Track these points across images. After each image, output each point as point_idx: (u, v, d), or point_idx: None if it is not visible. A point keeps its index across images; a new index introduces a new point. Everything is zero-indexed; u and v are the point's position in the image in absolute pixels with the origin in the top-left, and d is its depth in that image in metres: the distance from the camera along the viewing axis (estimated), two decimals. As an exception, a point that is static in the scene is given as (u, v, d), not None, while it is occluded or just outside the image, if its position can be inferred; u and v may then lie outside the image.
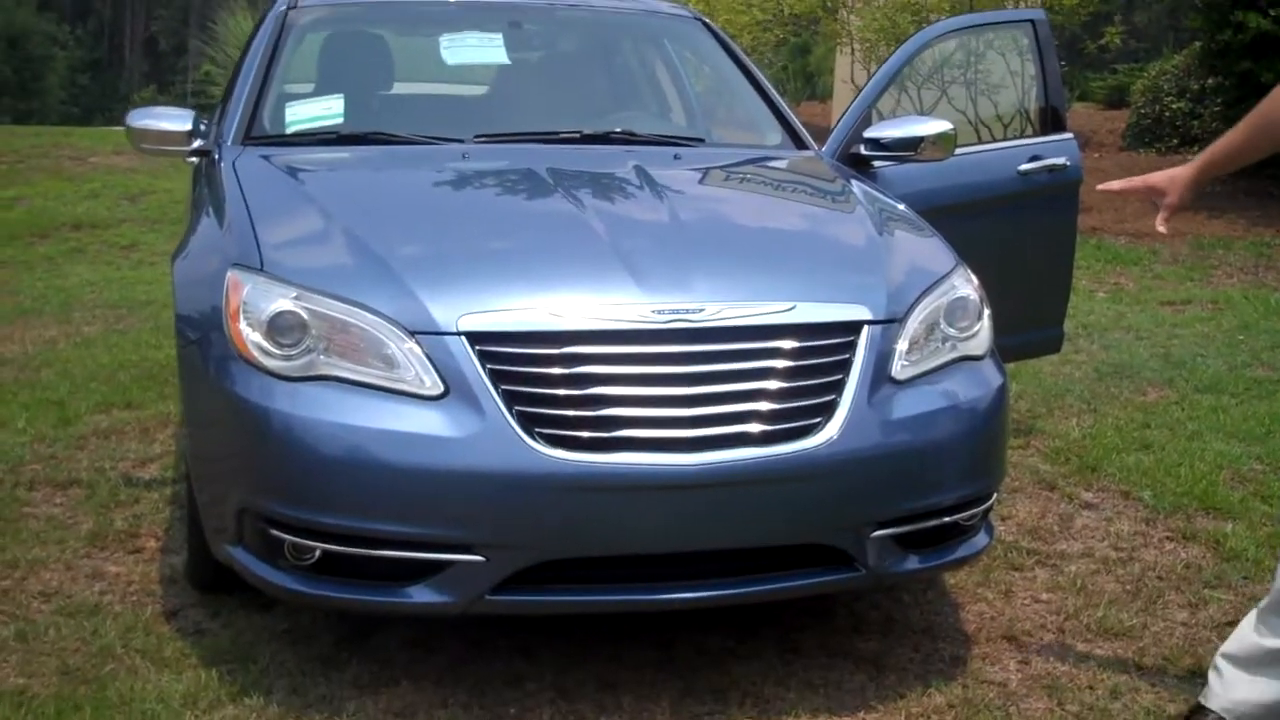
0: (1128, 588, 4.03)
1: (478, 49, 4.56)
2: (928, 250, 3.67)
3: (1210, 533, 4.42)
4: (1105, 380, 6.26)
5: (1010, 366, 6.11)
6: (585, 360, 3.00)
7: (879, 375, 3.19)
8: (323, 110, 4.25)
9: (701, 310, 3.09)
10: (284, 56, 4.42)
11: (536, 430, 2.95)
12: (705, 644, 3.53)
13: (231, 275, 3.18)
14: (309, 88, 4.46)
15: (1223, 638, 3.59)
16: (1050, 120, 5.24)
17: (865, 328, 3.21)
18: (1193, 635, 3.73)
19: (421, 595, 3.02)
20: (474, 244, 3.37)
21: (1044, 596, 3.96)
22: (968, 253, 4.94)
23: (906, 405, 3.21)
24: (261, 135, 4.16)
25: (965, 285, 3.50)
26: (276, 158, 3.94)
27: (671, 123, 4.57)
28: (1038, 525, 4.49)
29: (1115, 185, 3.25)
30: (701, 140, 4.34)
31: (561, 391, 2.98)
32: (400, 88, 4.67)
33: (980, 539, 3.50)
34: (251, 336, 3.06)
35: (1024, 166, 5.05)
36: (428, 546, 2.98)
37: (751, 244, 3.52)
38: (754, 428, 3.04)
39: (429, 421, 2.95)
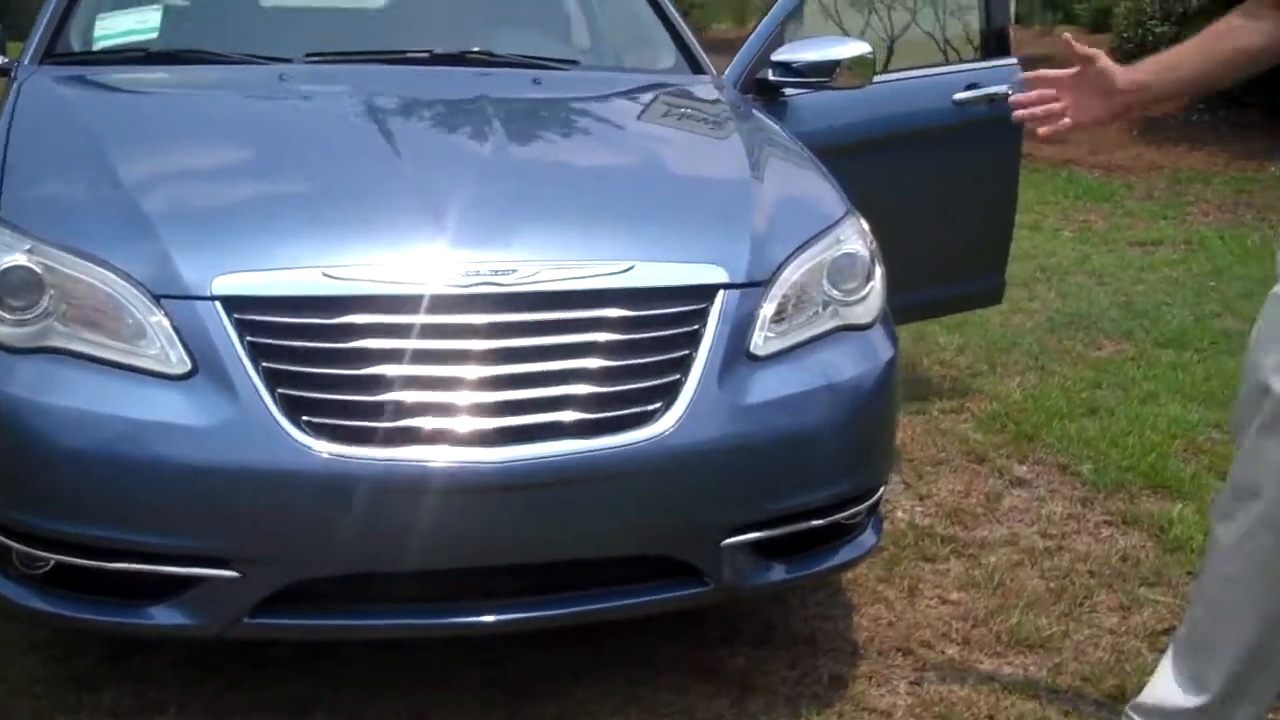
0: (1052, 585, 3.50)
1: None
2: (812, 197, 3.09)
3: (1154, 516, 3.89)
4: (1058, 332, 5.70)
5: (954, 317, 5.62)
6: (365, 332, 2.44)
7: (733, 350, 2.63)
8: (136, 23, 3.65)
9: (514, 271, 2.52)
10: None
11: (304, 418, 2.40)
12: (543, 663, 3.00)
13: None
14: None
15: (1154, 650, 3.08)
16: (993, 43, 4.64)
17: (720, 292, 2.65)
18: (1120, 647, 3.20)
19: (166, 617, 2.48)
20: (249, 188, 2.79)
21: (954, 596, 3.43)
22: (895, 194, 4.41)
23: (767, 386, 2.65)
24: (66, 52, 3.58)
25: (854, 239, 2.93)
26: (67, 81, 3.36)
27: (545, 42, 3.96)
28: (959, 506, 3.95)
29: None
30: (575, 63, 3.74)
31: (335, 371, 2.42)
32: None
33: (866, 539, 2.96)
34: None
35: (960, 95, 4.46)
36: (172, 559, 2.44)
37: (593, 190, 2.94)
38: (575, 416, 2.49)
39: (170, 406, 2.40)
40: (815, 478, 2.73)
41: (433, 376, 2.44)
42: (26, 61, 3.50)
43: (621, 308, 2.56)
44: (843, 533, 2.89)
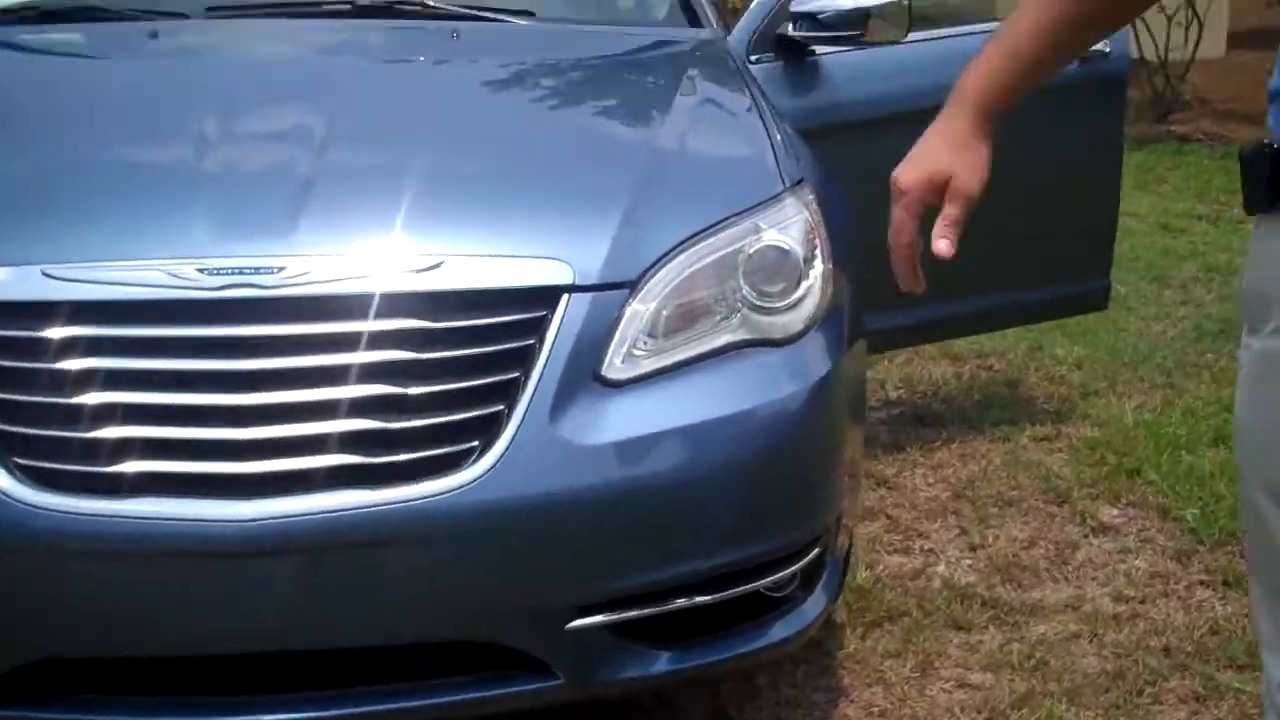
0: (1109, 666, 2.77)
1: None
2: (735, 176, 2.46)
3: (1266, 577, 3.08)
4: (1203, 342, 4.83)
5: (1081, 324, 4.83)
6: (83, 348, 1.93)
7: (578, 373, 2.02)
8: None
9: (280, 270, 1.97)
10: None
11: (13, 459, 1.90)
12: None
13: None
14: None
15: None
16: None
17: (563, 297, 2.04)
18: (1179, 756, 2.46)
19: None
20: (16, 171, 2.29)
21: (975, 678, 2.73)
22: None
23: (624, 421, 2.05)
24: None
25: (781, 228, 2.28)
26: None
27: None
28: (1017, 559, 3.22)
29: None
30: (531, 14, 3.16)
31: (50, 399, 1.92)
32: None
33: (809, 609, 2.31)
34: None
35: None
36: None
37: (425, 172, 2.32)
38: (355, 459, 1.93)
39: None
40: (700, 539, 2.11)
41: (169, 406, 1.92)
42: None
43: (422, 317, 1.98)
44: (770, 605, 2.24)
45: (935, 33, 3.73)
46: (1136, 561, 3.21)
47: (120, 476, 1.89)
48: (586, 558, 2.03)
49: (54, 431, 1.90)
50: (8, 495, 1.88)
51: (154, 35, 2.95)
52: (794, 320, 2.24)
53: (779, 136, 2.59)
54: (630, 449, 2.04)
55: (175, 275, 1.96)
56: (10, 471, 1.89)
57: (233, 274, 1.96)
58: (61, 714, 2.00)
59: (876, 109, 3.50)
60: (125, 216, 2.11)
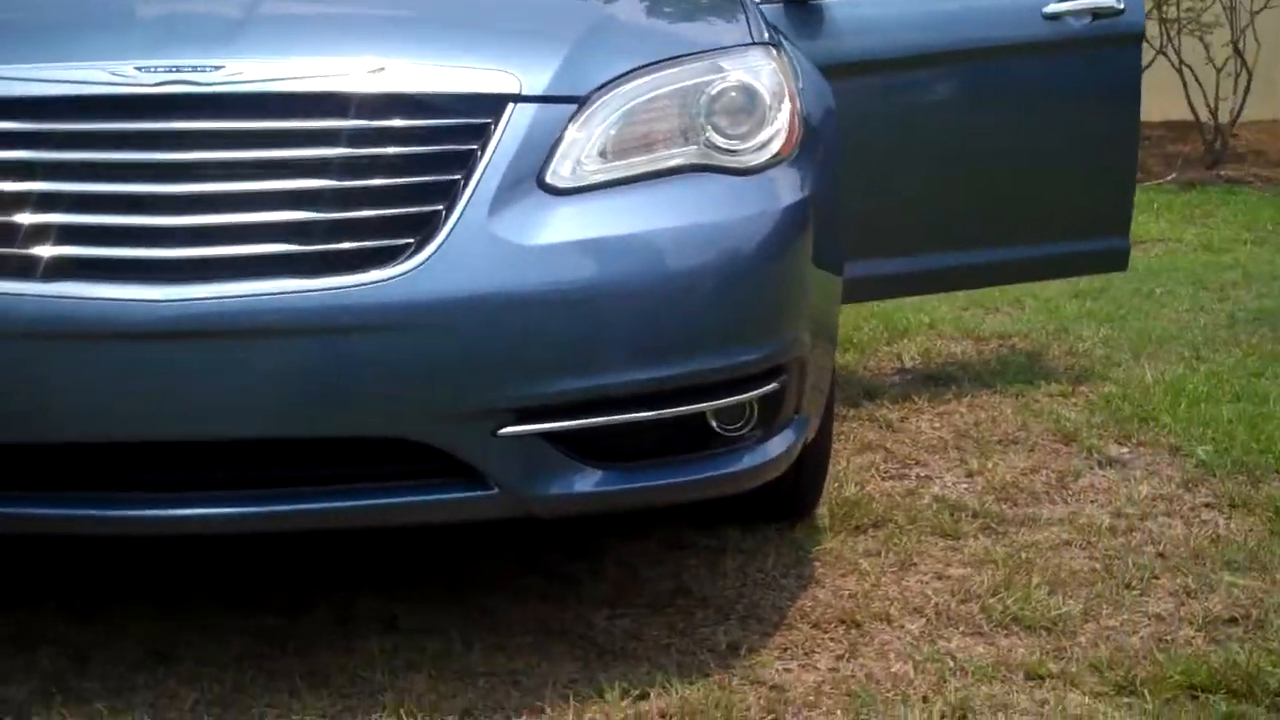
0: (1098, 566, 2.66)
1: None
2: (703, 21, 2.44)
3: (1275, 499, 2.97)
4: (1237, 327, 4.69)
5: (1110, 309, 4.74)
6: (14, 140, 1.94)
7: (519, 178, 2.01)
8: None
9: (219, 69, 1.97)
10: None
11: None
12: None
13: None
14: None
15: (1210, 642, 2.25)
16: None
17: (509, 106, 2.03)
18: (1163, 635, 2.37)
19: None
20: None
21: (955, 571, 2.64)
22: (968, 129, 3.66)
23: (567, 225, 2.02)
24: None
25: (748, 69, 2.25)
26: None
27: None
28: (1017, 483, 3.11)
29: None
30: None
31: None
32: None
33: (772, 446, 2.24)
34: None
35: (1052, 7, 3.67)
36: None
37: None
38: (286, 247, 1.92)
39: None
40: (640, 347, 2.05)
41: (104, 194, 1.93)
42: None
43: (360, 118, 1.98)
44: (723, 440, 2.18)
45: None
46: (1140, 488, 3.09)
47: (43, 259, 1.89)
48: (519, 360, 1.99)
49: None
50: None
51: None
52: (755, 155, 2.20)
53: (761, 19, 2.57)
54: (568, 252, 2.01)
55: (114, 74, 1.97)
56: None
57: (170, 71, 1.96)
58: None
59: (879, 54, 3.50)
60: (65, 19, 2.15)
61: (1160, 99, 9.45)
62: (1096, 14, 3.69)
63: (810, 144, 2.34)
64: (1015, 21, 3.67)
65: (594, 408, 2.04)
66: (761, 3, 3.35)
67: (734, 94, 2.22)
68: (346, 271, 1.92)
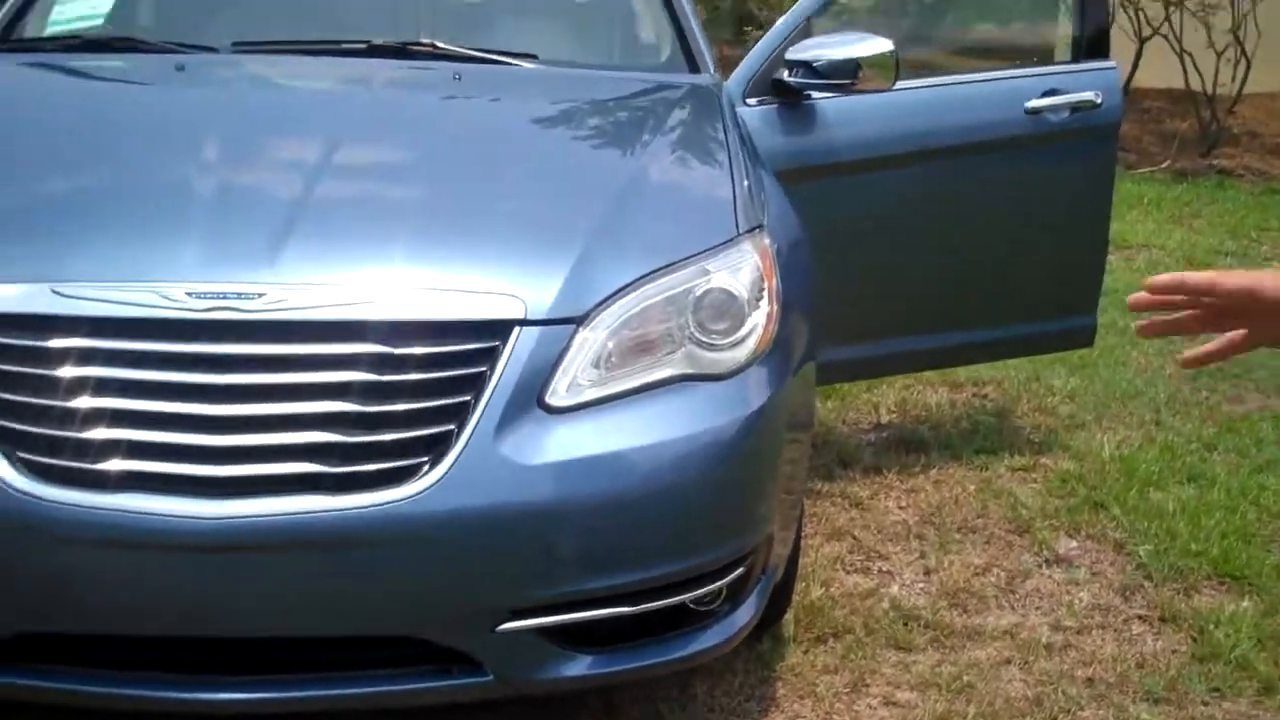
0: (1031, 693, 2.95)
1: None
2: (692, 220, 2.66)
3: (1201, 614, 3.25)
4: (1200, 380, 4.95)
5: (1083, 356, 4.97)
6: (81, 358, 2.18)
7: (523, 399, 2.25)
8: (88, 9, 3.55)
9: (261, 296, 2.21)
10: None
11: (19, 454, 2.16)
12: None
13: None
14: None
15: None
16: (1086, 45, 4.03)
17: (515, 330, 2.27)
18: (1077, 779, 2.64)
19: None
20: (26, 190, 2.57)
21: (902, 696, 2.93)
22: (951, 217, 3.88)
23: (563, 444, 2.27)
24: (19, 39, 3.47)
25: (730, 271, 2.48)
26: None
27: (514, 33, 3.61)
28: (969, 585, 3.40)
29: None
30: (534, 57, 3.38)
31: (48, 401, 2.17)
32: None
33: (737, 618, 2.52)
34: None
35: (1034, 103, 3.87)
36: None
37: (407, 206, 2.58)
38: (316, 468, 2.17)
39: None
40: (628, 554, 2.32)
41: (152, 413, 2.17)
42: None
43: (384, 344, 2.22)
44: (695, 616, 2.46)
45: (921, 81, 3.91)
46: (1081, 593, 3.38)
47: (106, 473, 2.14)
48: (521, 567, 2.25)
49: (52, 430, 2.15)
50: (9, 485, 2.13)
51: (180, 68, 3.21)
52: (734, 357, 2.44)
53: (746, 182, 2.78)
54: (565, 470, 2.25)
55: (167, 297, 2.21)
56: (13, 464, 2.15)
57: (217, 298, 2.20)
58: (42, 682, 2.26)
59: (867, 150, 3.71)
60: (127, 241, 2.36)
61: (1162, 69, 9.59)
62: (1075, 108, 3.90)
63: (785, 317, 2.56)
64: (999, 118, 3.88)
65: (584, 605, 2.31)
66: (755, 104, 3.62)
67: (717, 295, 2.45)
68: (366, 490, 2.16)
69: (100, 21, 3.53)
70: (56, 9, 3.56)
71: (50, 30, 3.51)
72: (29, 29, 3.50)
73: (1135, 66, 11.36)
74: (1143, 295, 1.61)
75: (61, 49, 3.41)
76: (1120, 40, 10.05)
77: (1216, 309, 1.58)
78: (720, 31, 12.49)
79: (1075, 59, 4.03)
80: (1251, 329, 1.59)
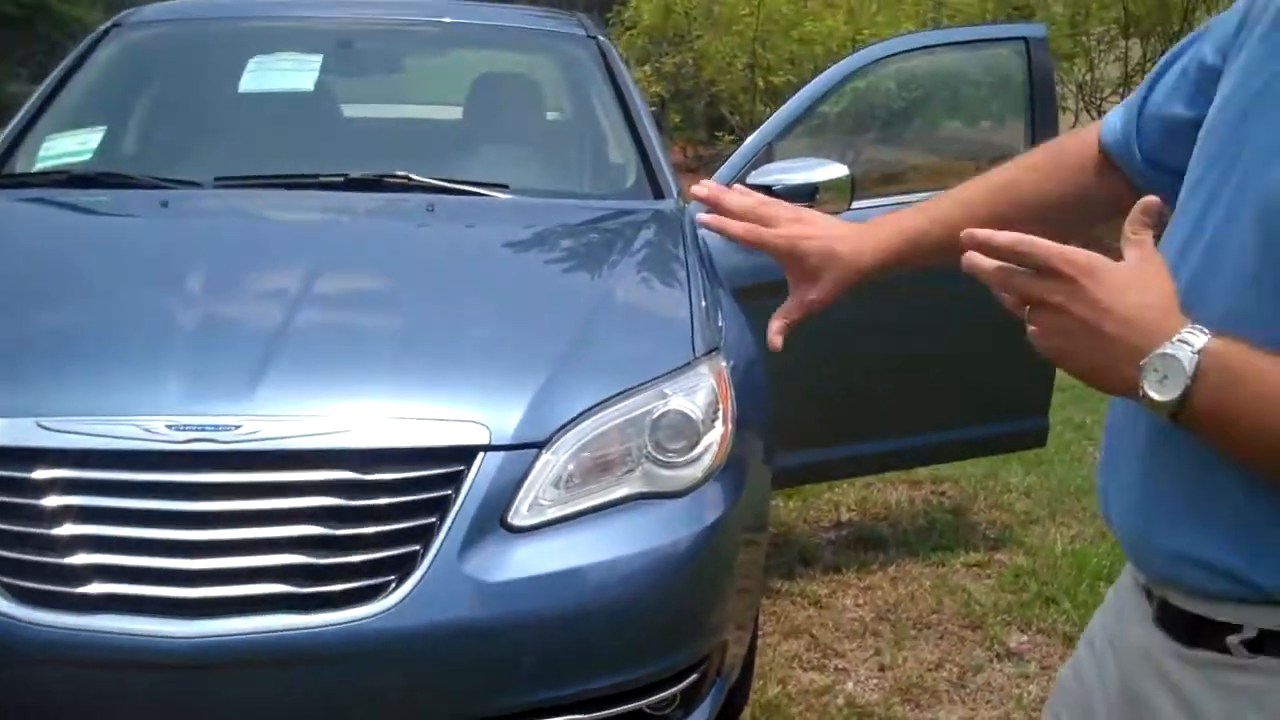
0: (978, 787, 3.08)
1: (284, 73, 3.91)
2: (650, 344, 2.83)
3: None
4: (1152, 475, 5.11)
5: (1032, 452, 5.14)
6: (62, 488, 2.33)
7: (486, 520, 2.39)
8: (76, 145, 3.70)
9: (237, 428, 2.37)
10: (81, 80, 3.90)
11: (1, 579, 2.30)
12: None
13: None
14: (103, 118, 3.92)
15: None
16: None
17: (479, 455, 2.42)
18: None
19: None
20: (11, 326, 2.73)
21: (852, 793, 3.05)
22: (906, 327, 4.06)
23: (523, 562, 2.41)
24: (9, 174, 3.64)
25: (687, 394, 2.64)
26: None
27: (486, 163, 3.81)
28: (921, 680, 3.54)
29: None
30: (505, 186, 3.58)
31: (29, 529, 2.32)
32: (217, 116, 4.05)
33: (696, 717, 2.65)
34: None
35: (972, 218, 4.06)
36: None
37: (376, 338, 2.74)
38: (286, 589, 2.30)
39: None
40: (585, 664, 2.46)
41: (130, 539, 2.31)
42: None
43: (351, 470, 2.37)
44: (651, 717, 2.60)
45: (875, 201, 4.10)
46: (1031, 686, 3.51)
47: (87, 596, 2.28)
48: (485, 678, 2.39)
49: (34, 556, 2.29)
50: None
51: (165, 204, 3.38)
52: (691, 474, 2.58)
53: (703, 303, 2.95)
54: (526, 587, 2.39)
55: (148, 430, 2.35)
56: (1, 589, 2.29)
57: (195, 430, 2.35)
58: None
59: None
60: (111, 375, 2.52)
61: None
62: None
63: (739, 433, 2.72)
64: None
65: (545, 714, 2.44)
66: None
67: (674, 416, 2.60)
68: (335, 608, 2.29)
69: (88, 157, 3.66)
70: (45, 145, 3.71)
71: (39, 166, 3.66)
72: (19, 164, 3.66)
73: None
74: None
75: (50, 184, 3.58)
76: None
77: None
78: (694, 134, 12.83)
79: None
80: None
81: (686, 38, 12.44)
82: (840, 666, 3.61)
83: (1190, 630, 1.28)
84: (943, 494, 4.90)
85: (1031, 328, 1.21)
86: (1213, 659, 1.25)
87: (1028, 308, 1.21)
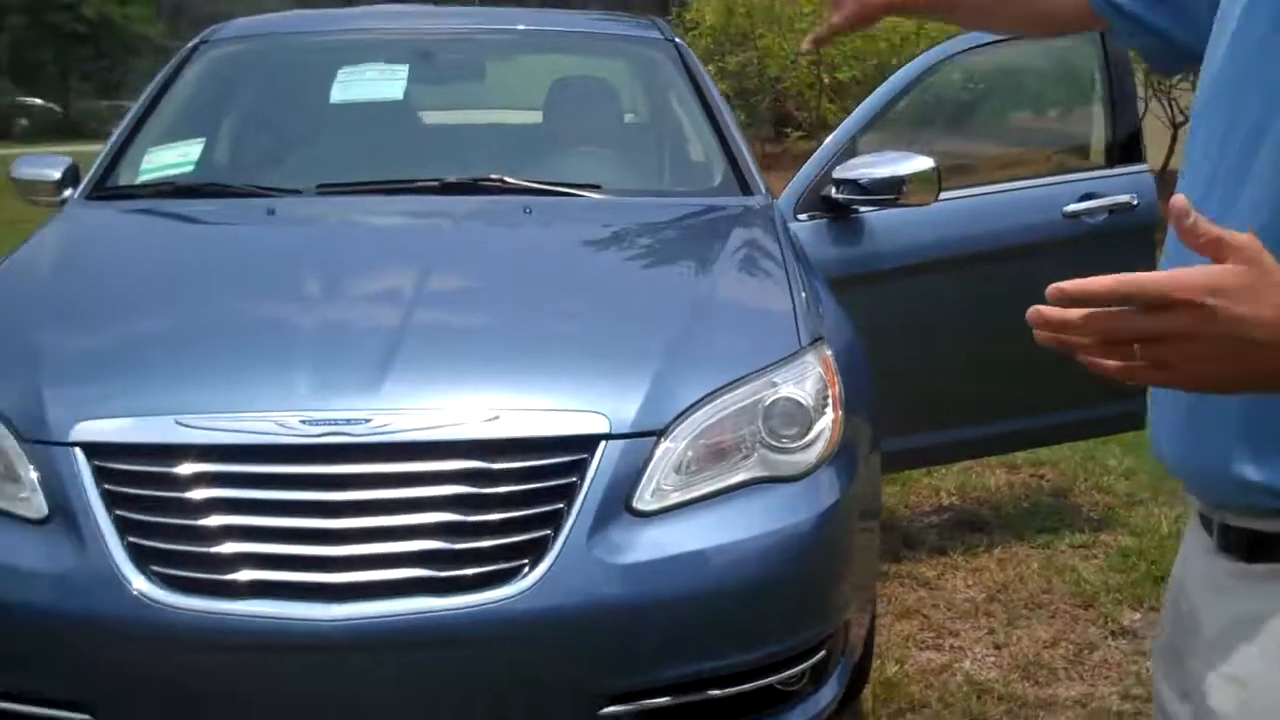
0: (1105, 759, 3.08)
1: (373, 83, 3.98)
2: (758, 334, 2.86)
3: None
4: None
5: (1129, 435, 5.11)
6: (208, 481, 2.40)
7: (612, 506, 2.44)
8: (178, 157, 3.78)
9: (368, 421, 2.43)
10: (175, 95, 3.99)
11: (151, 568, 2.36)
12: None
13: None
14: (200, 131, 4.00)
15: None
16: (1119, 149, 4.23)
17: (601, 443, 2.47)
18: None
19: None
20: (139, 330, 2.83)
21: (979, 767, 3.07)
22: (1000, 313, 4.04)
23: (650, 545, 2.45)
24: (114, 187, 3.72)
25: (797, 382, 2.67)
26: (85, 216, 3.53)
27: (576, 165, 3.86)
28: (1038, 658, 3.54)
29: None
30: (597, 187, 3.62)
31: (181, 520, 2.39)
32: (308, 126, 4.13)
33: (822, 696, 2.67)
34: None
35: (1072, 207, 4.07)
36: (42, 702, 2.45)
37: (493, 331, 2.81)
38: (425, 573, 2.35)
39: (28, 552, 2.42)
40: (717, 642, 2.49)
41: (275, 528, 2.37)
42: (77, 195, 3.67)
43: (481, 459, 2.42)
44: (782, 697, 2.63)
45: (962, 192, 4.10)
46: (1147, 663, 3.51)
47: (236, 583, 2.34)
48: (617, 657, 2.44)
49: (183, 546, 2.36)
50: (148, 597, 2.34)
51: (271, 211, 3.46)
52: (805, 459, 2.62)
53: (803, 294, 2.98)
54: (655, 568, 2.44)
55: (283, 425, 2.42)
56: (149, 578, 2.35)
57: (329, 424, 2.41)
58: None
59: (914, 257, 3.92)
60: (242, 373, 2.59)
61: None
62: (1112, 210, 4.09)
63: (848, 418, 2.74)
64: (1038, 221, 4.08)
65: (680, 689, 2.48)
66: (805, 219, 3.85)
67: (785, 404, 2.64)
68: (471, 591, 2.35)
69: (190, 168, 3.74)
70: (147, 157, 3.79)
71: (142, 178, 3.74)
72: (122, 177, 3.75)
73: (1170, 152, 11.61)
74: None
75: (155, 195, 3.66)
76: (1154, 126, 10.29)
77: None
78: (760, 131, 12.87)
79: (1110, 163, 4.23)
80: None
81: (749, 37, 12.49)
82: (955, 645, 3.62)
83: (1250, 546, 1.30)
84: (1042, 477, 4.89)
85: (1137, 363, 1.12)
86: (1273, 570, 1.27)
87: (1136, 346, 1.12)
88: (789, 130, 11.92)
